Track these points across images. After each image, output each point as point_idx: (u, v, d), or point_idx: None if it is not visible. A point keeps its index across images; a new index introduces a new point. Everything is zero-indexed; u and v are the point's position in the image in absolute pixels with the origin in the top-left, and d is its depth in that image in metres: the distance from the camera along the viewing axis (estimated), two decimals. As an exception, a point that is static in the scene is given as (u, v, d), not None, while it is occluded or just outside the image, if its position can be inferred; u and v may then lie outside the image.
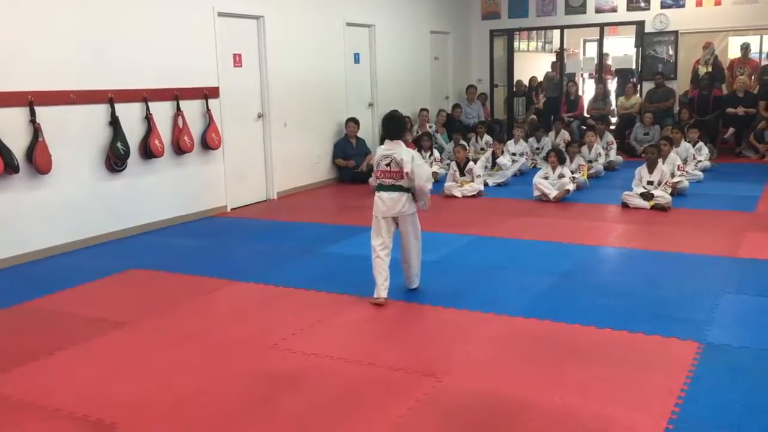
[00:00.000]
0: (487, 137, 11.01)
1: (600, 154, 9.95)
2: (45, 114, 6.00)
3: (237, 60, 8.16)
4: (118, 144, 6.59)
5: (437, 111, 11.89)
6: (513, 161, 9.92)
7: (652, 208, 7.38)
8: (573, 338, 3.99)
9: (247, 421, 3.17)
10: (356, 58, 10.33)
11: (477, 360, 3.76)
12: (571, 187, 8.08)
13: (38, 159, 5.90)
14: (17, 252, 5.92)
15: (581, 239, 6.26)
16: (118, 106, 6.61)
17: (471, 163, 8.73)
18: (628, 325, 4.12)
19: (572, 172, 8.50)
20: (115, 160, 6.62)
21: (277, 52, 8.62)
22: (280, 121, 8.81)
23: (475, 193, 8.43)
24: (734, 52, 13.01)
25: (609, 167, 10.06)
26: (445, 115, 11.83)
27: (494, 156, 9.53)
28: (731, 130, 11.48)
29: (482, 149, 10.77)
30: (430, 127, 11.36)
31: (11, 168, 5.71)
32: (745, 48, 12.23)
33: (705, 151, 9.87)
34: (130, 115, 6.77)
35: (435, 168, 9.79)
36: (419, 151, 9.81)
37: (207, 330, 4.32)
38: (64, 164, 6.21)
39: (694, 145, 9.69)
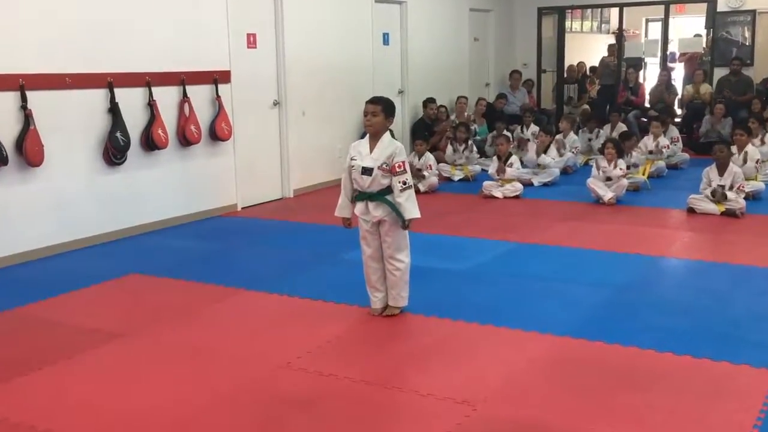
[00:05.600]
0: (533, 127, 10.93)
1: (666, 146, 9.79)
2: (37, 99, 6.09)
3: (251, 40, 8.22)
4: (118, 134, 6.67)
5: (476, 100, 11.76)
6: (561, 154, 9.84)
7: (723, 213, 7.28)
8: (628, 363, 3.95)
9: (255, 449, 3.19)
10: (385, 39, 10.34)
11: (517, 385, 3.74)
12: (624, 181, 7.99)
13: (29, 149, 5.98)
14: (5, 253, 6.01)
15: (640, 248, 6.19)
16: (118, 92, 6.69)
17: (513, 157, 8.71)
18: (692, 348, 4.07)
19: (628, 167, 8.37)
20: (114, 151, 6.70)
21: (296, 32, 8.66)
22: (298, 109, 8.85)
23: (517, 193, 8.40)
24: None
25: (673, 166, 9.94)
26: (484, 104, 11.65)
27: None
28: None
29: (527, 140, 10.71)
30: (468, 116, 11.31)
31: (-1, 159, 5.81)
32: None
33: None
34: (131, 102, 6.84)
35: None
36: (453, 143, 9.81)
37: (213, 344, 4.35)
38: (58, 155, 6.30)
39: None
